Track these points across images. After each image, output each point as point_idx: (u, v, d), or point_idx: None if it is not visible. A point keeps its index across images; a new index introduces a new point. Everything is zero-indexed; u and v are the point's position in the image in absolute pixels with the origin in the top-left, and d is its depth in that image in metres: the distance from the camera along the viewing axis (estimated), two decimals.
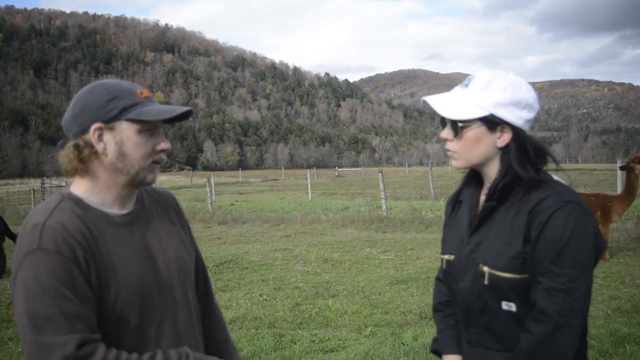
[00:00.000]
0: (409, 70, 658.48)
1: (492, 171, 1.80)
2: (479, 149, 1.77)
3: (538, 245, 1.65)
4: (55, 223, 1.51)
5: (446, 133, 1.81)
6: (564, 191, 1.68)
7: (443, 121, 1.82)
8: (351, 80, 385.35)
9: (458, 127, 1.76)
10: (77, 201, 1.61)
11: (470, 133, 1.76)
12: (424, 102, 1.83)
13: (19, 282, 1.46)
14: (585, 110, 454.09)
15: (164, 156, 1.69)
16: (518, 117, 1.73)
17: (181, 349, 1.61)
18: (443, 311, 2.05)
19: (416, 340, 5.34)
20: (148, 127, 1.63)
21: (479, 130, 1.75)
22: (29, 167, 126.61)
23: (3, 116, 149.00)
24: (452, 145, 1.81)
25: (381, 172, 17.66)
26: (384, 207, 16.42)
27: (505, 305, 1.73)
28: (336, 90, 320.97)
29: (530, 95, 1.76)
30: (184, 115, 1.66)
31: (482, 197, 1.86)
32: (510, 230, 1.72)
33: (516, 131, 1.74)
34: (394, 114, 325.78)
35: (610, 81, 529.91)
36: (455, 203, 2.01)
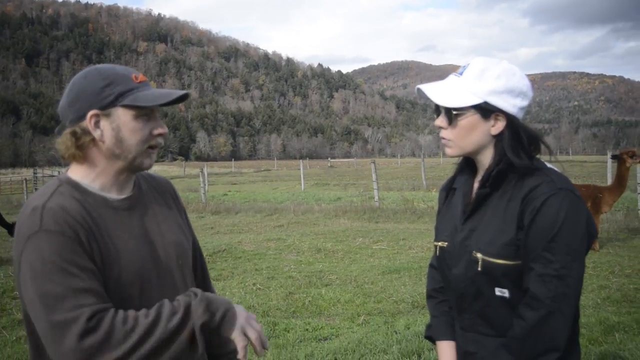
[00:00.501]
0: (402, 61, 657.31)
1: (486, 159, 1.81)
2: (473, 137, 1.77)
3: (531, 232, 1.66)
4: (55, 206, 1.51)
5: (440, 121, 1.81)
6: (557, 178, 1.70)
7: (437, 109, 1.82)
8: (344, 72, 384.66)
9: (452, 115, 1.77)
10: (75, 185, 1.61)
11: (464, 121, 1.76)
12: (418, 90, 1.84)
13: (24, 265, 1.46)
14: (576, 103, 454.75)
15: (161, 140, 1.69)
16: (512, 104, 1.74)
17: (188, 290, 1.60)
18: (436, 298, 2.06)
19: (408, 328, 5.38)
20: (144, 112, 1.62)
21: (473, 118, 1.75)
22: (21, 156, 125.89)
23: None
24: (446, 133, 1.81)
25: (374, 163, 17.67)
26: (376, 197, 16.45)
27: (498, 292, 1.74)
28: (329, 81, 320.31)
29: (524, 83, 1.76)
30: (181, 99, 1.65)
31: (476, 185, 1.87)
32: (503, 217, 1.73)
33: (510, 119, 1.75)
34: (386, 105, 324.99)
35: (602, 74, 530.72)
36: (448, 190, 2.02)
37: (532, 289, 1.64)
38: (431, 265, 2.13)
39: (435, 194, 18.45)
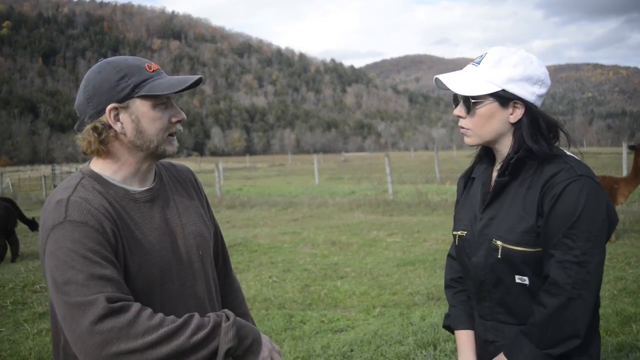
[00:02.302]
0: (414, 55, 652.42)
1: (504, 147, 1.82)
2: (491, 125, 1.79)
3: (551, 219, 1.66)
4: (79, 199, 1.54)
5: (459, 110, 1.83)
6: (577, 165, 1.70)
7: (456, 99, 1.84)
8: (357, 66, 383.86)
9: (470, 103, 1.78)
10: (98, 178, 1.64)
11: (482, 109, 1.78)
12: (437, 79, 1.85)
13: (48, 254, 1.48)
14: (590, 94, 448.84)
15: (180, 127, 1.73)
16: (530, 92, 1.75)
17: (221, 311, 1.60)
18: (455, 287, 2.08)
19: (424, 320, 5.41)
20: (162, 101, 1.65)
21: (491, 106, 1.77)
22: (39, 153, 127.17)
23: (13, 104, 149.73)
24: (465, 122, 1.83)
25: (387, 156, 17.65)
26: (390, 190, 16.48)
27: (518, 279, 1.75)
28: (342, 76, 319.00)
29: (542, 71, 1.77)
30: (196, 84, 1.66)
31: (495, 174, 1.88)
32: (523, 205, 1.74)
33: (528, 106, 1.76)
34: (399, 99, 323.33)
35: (616, 65, 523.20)
36: (467, 180, 2.03)
37: (552, 275, 1.65)
38: (449, 255, 2.15)
39: (449, 187, 18.42)
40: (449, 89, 1.83)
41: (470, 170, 2.02)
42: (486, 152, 1.95)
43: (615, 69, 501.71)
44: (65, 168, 41.21)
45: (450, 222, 12.27)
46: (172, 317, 1.48)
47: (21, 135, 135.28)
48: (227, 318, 1.55)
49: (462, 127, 1.84)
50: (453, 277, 2.09)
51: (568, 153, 1.79)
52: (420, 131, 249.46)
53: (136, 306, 1.44)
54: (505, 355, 1.74)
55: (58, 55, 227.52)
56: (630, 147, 9.26)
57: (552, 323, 1.64)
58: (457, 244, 1.97)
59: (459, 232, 1.94)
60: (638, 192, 12.43)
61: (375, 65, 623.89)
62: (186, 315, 1.50)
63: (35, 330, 5.62)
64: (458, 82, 1.80)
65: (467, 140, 1.86)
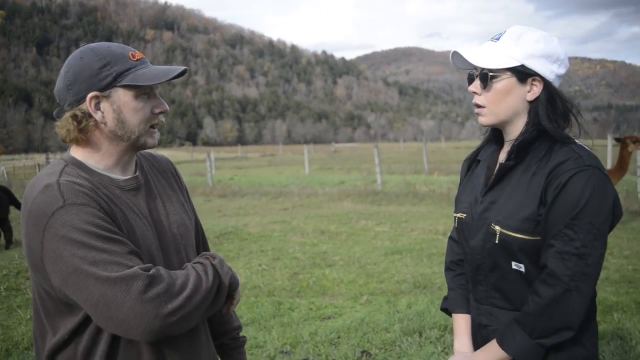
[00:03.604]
0: (405, 48, 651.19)
1: (517, 129, 1.77)
2: (508, 102, 1.73)
3: (554, 208, 1.62)
4: (69, 183, 1.48)
5: (475, 86, 1.77)
6: (586, 155, 1.66)
7: (470, 77, 1.80)
8: (348, 58, 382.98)
9: (488, 78, 1.73)
10: (81, 165, 1.58)
11: (499, 84, 1.73)
12: (454, 53, 1.80)
13: (54, 241, 1.40)
14: (577, 88, 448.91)
15: (162, 118, 1.66)
16: (549, 70, 1.71)
17: (201, 254, 1.66)
18: (454, 270, 2.05)
19: (410, 307, 5.48)
20: (144, 91, 1.58)
21: (509, 81, 1.72)
22: (33, 142, 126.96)
23: (7, 93, 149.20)
24: (480, 99, 1.77)
25: (377, 147, 17.71)
26: (379, 181, 16.56)
27: (514, 265, 1.72)
28: (333, 67, 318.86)
29: (562, 51, 1.73)
30: (180, 75, 1.61)
31: (502, 156, 1.85)
32: (526, 191, 1.69)
33: (546, 84, 1.72)
34: (389, 91, 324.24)
35: (603, 59, 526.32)
36: (472, 162, 1.99)
37: (550, 265, 1.62)
38: (451, 238, 2.11)
39: (437, 178, 18.51)
40: (464, 67, 1.81)
41: (477, 152, 1.98)
42: (495, 136, 1.91)
43: (602, 62, 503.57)
44: (59, 156, 40.98)
45: (437, 213, 12.28)
46: (179, 271, 1.53)
47: (16, 124, 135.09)
48: (213, 257, 1.63)
49: (477, 106, 1.79)
50: (453, 259, 2.06)
51: (578, 142, 1.73)
52: (410, 123, 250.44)
53: (161, 269, 1.46)
54: (498, 342, 1.72)
55: (52, 45, 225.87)
56: (617, 140, 9.36)
57: (546, 313, 1.62)
58: (456, 226, 1.95)
59: (458, 215, 1.91)
60: (621, 184, 12.59)
61: (366, 58, 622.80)
62: (188, 266, 1.57)
63: (29, 316, 5.62)
64: (476, 55, 1.75)
65: (482, 119, 1.80)
